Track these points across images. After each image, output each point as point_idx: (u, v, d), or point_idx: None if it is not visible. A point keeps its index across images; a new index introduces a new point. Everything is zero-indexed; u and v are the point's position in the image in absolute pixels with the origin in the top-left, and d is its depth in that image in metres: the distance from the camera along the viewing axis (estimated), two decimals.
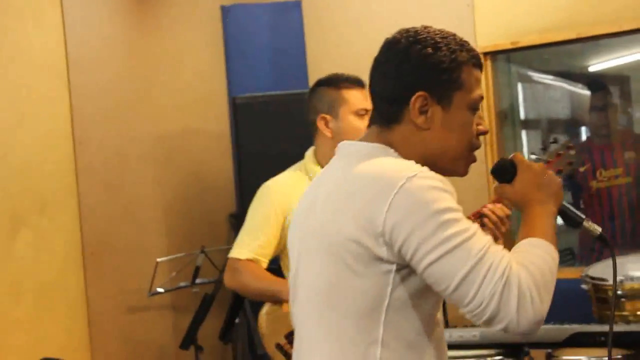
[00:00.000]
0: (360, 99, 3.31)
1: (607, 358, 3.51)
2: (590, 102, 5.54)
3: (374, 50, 2.04)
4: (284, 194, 3.37)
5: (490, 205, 3.06)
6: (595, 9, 4.89)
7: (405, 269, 1.85)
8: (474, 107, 1.96)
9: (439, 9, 5.27)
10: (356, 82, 3.35)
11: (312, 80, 5.43)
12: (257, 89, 5.29)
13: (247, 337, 4.94)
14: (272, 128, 5.01)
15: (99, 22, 5.09)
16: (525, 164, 2.01)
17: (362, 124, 3.19)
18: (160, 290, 4.91)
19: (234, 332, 4.86)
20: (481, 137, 2.01)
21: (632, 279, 3.92)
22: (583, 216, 2.01)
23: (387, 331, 1.87)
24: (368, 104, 2.99)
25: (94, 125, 4.94)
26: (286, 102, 5.04)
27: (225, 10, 5.64)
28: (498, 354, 3.94)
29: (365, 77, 2.13)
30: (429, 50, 1.94)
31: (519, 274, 1.78)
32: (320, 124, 3.35)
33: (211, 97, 5.63)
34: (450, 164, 1.97)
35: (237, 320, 4.80)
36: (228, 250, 3.61)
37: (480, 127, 1.99)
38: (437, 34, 1.97)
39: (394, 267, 1.84)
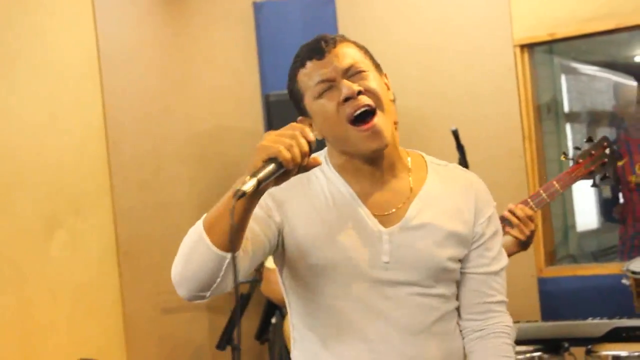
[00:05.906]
0: None
1: None
2: (638, 94, 5.40)
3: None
4: None
5: (511, 206, 3.00)
6: None
7: None
8: (320, 93, 2.05)
9: (475, 2, 5.17)
10: None
11: None
12: None
13: (284, 337, 4.89)
14: None
15: (131, 22, 5.08)
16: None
17: None
18: None
19: (270, 332, 4.81)
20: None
21: None
22: (254, 177, 1.73)
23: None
24: None
25: (127, 126, 4.94)
26: None
27: (257, 7, 5.60)
28: (537, 350, 3.87)
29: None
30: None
31: None
32: None
33: (244, 94, 5.58)
34: (346, 144, 2.06)
35: (273, 320, 4.77)
36: None
37: (342, 93, 2.01)
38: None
39: None
